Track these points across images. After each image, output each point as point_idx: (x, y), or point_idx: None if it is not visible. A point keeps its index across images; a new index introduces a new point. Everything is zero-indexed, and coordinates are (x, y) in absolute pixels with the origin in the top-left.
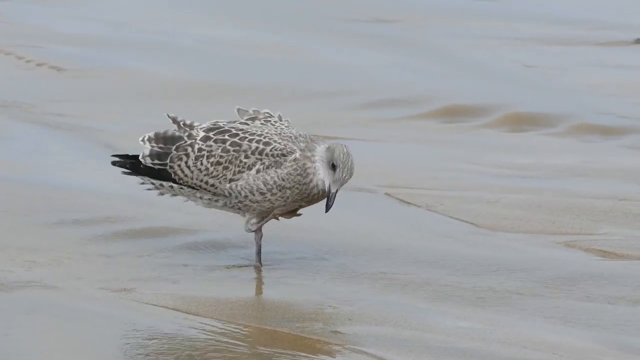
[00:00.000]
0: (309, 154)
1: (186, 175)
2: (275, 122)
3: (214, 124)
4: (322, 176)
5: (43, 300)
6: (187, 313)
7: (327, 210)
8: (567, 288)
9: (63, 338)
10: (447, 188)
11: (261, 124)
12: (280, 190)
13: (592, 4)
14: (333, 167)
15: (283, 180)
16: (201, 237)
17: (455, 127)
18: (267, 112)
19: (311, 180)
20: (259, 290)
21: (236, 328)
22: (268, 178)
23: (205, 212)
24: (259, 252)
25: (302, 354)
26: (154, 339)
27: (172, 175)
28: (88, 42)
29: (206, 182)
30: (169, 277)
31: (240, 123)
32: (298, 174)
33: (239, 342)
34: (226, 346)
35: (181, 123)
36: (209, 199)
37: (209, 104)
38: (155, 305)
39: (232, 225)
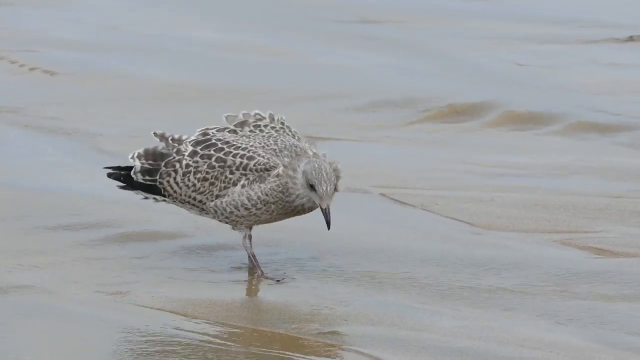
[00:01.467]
0: (291, 173)
1: (175, 192)
2: (266, 125)
3: (204, 135)
4: (307, 200)
5: (38, 303)
6: (183, 315)
7: (328, 228)
8: (562, 286)
9: (58, 341)
10: (442, 188)
11: (250, 130)
12: (264, 205)
13: (585, 3)
14: (312, 187)
15: (266, 195)
16: (195, 240)
17: (450, 127)
18: (258, 114)
19: (294, 200)
20: (254, 292)
21: (232, 330)
22: (252, 193)
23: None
24: (255, 259)
25: (298, 355)
26: (149, 341)
27: (162, 191)
28: (81, 46)
29: (194, 198)
30: (164, 280)
31: (229, 131)
32: (280, 191)
33: (234, 344)
34: (222, 348)
35: (169, 139)
36: (198, 213)
37: (202, 106)
38: (151, 308)
39: (226, 228)
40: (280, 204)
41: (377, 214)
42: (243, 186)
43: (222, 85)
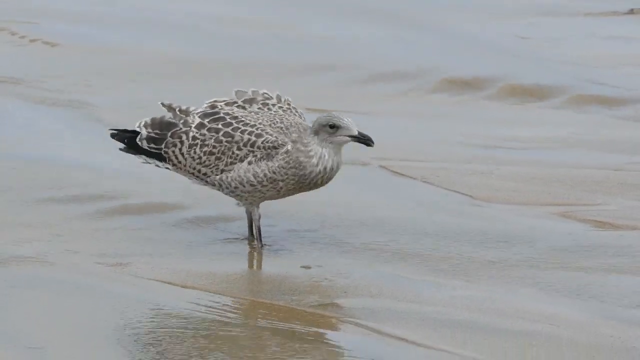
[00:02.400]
0: (302, 147)
1: (180, 162)
2: (274, 104)
3: (212, 107)
4: (333, 157)
5: (38, 274)
6: (183, 287)
7: (372, 144)
8: (562, 259)
9: (57, 311)
10: (442, 160)
11: (258, 108)
12: (271, 182)
13: None
14: (333, 127)
15: (274, 173)
16: (196, 212)
17: (451, 100)
18: (266, 93)
19: (311, 172)
20: (254, 264)
21: (232, 301)
22: (258, 170)
23: (199, 188)
24: (259, 232)
25: (298, 326)
26: (149, 312)
27: (167, 160)
28: (82, 18)
29: (198, 171)
30: (164, 252)
31: (238, 106)
32: (291, 167)
33: (235, 315)
34: (222, 319)
35: (177, 110)
36: (202, 184)
37: (204, 80)
38: (151, 279)
39: (226, 200)
40: (291, 181)
41: (377, 186)
42: (250, 163)
43: (220, 58)
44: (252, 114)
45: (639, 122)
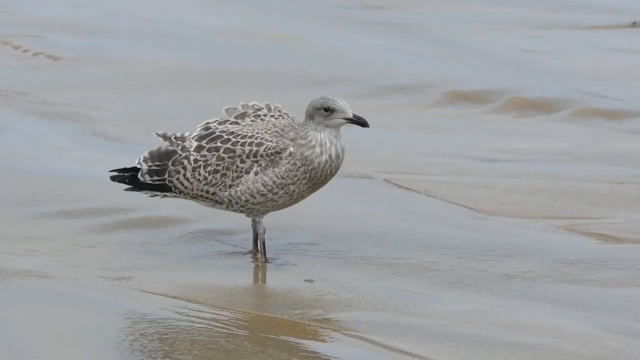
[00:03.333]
0: (303, 141)
1: (186, 187)
2: (265, 114)
3: (206, 129)
4: (334, 142)
5: (41, 288)
6: (187, 300)
7: (367, 125)
8: (566, 272)
9: (60, 325)
10: (446, 173)
11: (251, 120)
12: (282, 188)
13: None
14: (327, 110)
15: (283, 178)
16: (199, 226)
17: (456, 113)
18: (256, 104)
19: (319, 163)
20: (258, 278)
21: (236, 315)
22: (267, 179)
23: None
24: (264, 247)
25: (301, 340)
26: (152, 325)
27: (172, 189)
28: (84, 31)
29: (206, 192)
30: (167, 265)
31: (231, 123)
32: (299, 167)
33: (238, 329)
34: (225, 333)
35: (172, 138)
36: (212, 206)
37: (206, 92)
38: (155, 293)
39: (230, 214)
40: (302, 181)
41: (381, 199)
42: (256, 173)
43: (224, 70)
44: (247, 126)
45: None
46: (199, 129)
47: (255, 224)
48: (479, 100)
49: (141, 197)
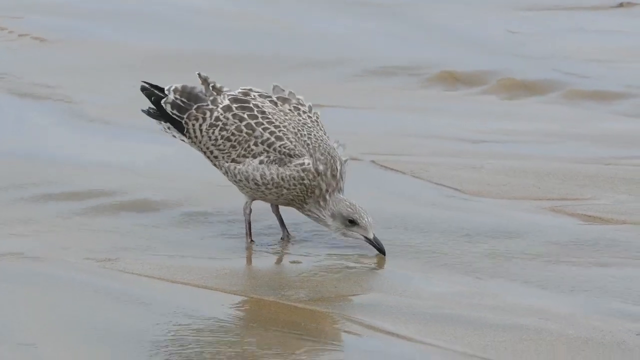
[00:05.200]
0: (321, 201)
1: (196, 137)
2: (304, 112)
3: (244, 94)
4: (337, 225)
5: (29, 270)
6: (172, 282)
7: (384, 254)
8: (552, 253)
9: (49, 308)
10: (432, 154)
11: (289, 109)
12: (276, 187)
13: None
14: (352, 222)
15: (282, 179)
16: (185, 208)
17: (443, 95)
18: (300, 99)
19: (309, 205)
20: (244, 259)
21: (222, 296)
22: (267, 172)
23: (190, 184)
24: (249, 227)
25: (287, 321)
26: (139, 307)
27: (184, 131)
28: (70, 13)
29: (211, 152)
30: (154, 247)
31: (271, 101)
32: (301, 184)
33: (224, 311)
34: (211, 314)
35: (210, 85)
36: (210, 163)
37: (193, 75)
38: (140, 275)
39: (217, 196)
40: (293, 192)
41: (368, 180)
42: (261, 162)
43: (212, 53)
44: (282, 113)
45: (629, 117)
46: (239, 90)
47: (277, 210)
48: (467, 82)
49: (126, 180)
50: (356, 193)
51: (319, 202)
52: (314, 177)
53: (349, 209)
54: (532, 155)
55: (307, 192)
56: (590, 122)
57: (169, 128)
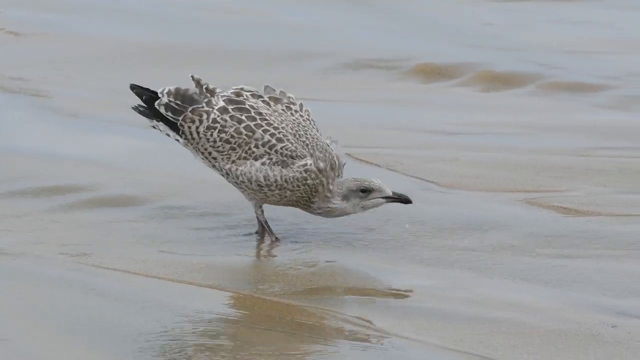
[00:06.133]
0: (327, 193)
1: (193, 139)
2: (296, 110)
3: (237, 95)
4: (343, 212)
5: (2, 265)
6: (147, 276)
7: (410, 201)
8: (527, 245)
9: (23, 302)
10: (407, 147)
11: (282, 109)
12: (279, 189)
13: None
14: (365, 191)
15: (286, 181)
16: (161, 202)
17: (420, 88)
18: (291, 97)
19: (319, 207)
20: (219, 253)
21: (196, 290)
22: (271, 174)
23: (166, 178)
24: (267, 226)
25: (262, 315)
26: (113, 302)
27: (179, 133)
28: (46, 6)
29: (209, 153)
30: (129, 242)
31: (263, 101)
32: (305, 185)
33: (199, 305)
34: (185, 308)
35: (204, 87)
36: (207, 165)
37: (170, 68)
38: (115, 269)
39: (193, 191)
40: (297, 194)
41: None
42: (264, 164)
43: (189, 45)
44: (276, 114)
45: (604, 108)
46: (231, 91)
47: (255, 208)
48: (444, 74)
49: (101, 175)
50: None
51: (326, 196)
52: (317, 175)
53: (356, 182)
54: (507, 147)
55: (312, 192)
56: (566, 113)
57: (161, 127)
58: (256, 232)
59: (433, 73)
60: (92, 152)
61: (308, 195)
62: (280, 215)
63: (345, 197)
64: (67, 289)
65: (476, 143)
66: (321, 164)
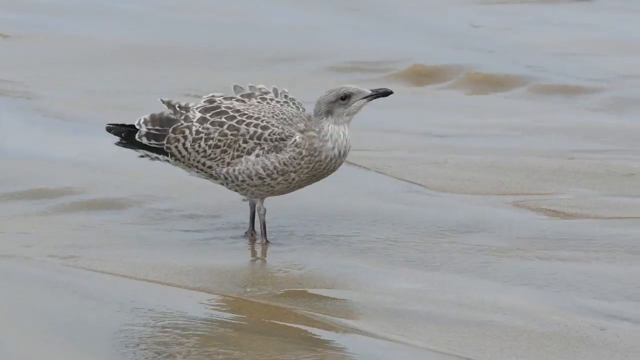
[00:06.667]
0: (315, 134)
1: (183, 157)
2: (272, 98)
3: (210, 102)
4: (347, 135)
5: None
6: (135, 279)
7: (390, 92)
8: (516, 248)
9: (12, 305)
10: (396, 149)
11: (257, 101)
12: (282, 175)
13: None
14: (345, 97)
15: (285, 164)
16: (149, 205)
17: (409, 90)
18: (263, 88)
19: (326, 157)
20: (208, 255)
21: (185, 293)
22: (268, 163)
23: (153, 180)
24: (265, 227)
25: (249, 319)
26: (102, 303)
27: (169, 155)
28: (32, 8)
29: (203, 164)
30: (117, 245)
31: (237, 100)
32: (305, 156)
33: (187, 307)
34: (173, 310)
35: (176, 106)
36: (205, 178)
37: (157, 69)
38: (103, 272)
39: (181, 193)
40: (304, 170)
41: (331, 177)
42: (257, 155)
43: (176, 47)
44: (252, 107)
45: (593, 111)
46: (203, 101)
47: (253, 205)
48: (433, 77)
49: (88, 177)
50: (319, 188)
51: (320, 134)
52: (305, 139)
53: (332, 93)
54: (495, 149)
55: (313, 159)
56: (554, 116)
57: (149, 154)
58: (245, 234)
59: (422, 76)
60: (81, 154)
61: (313, 157)
62: (269, 219)
63: (328, 113)
64: (55, 291)
65: (465, 145)
66: (301, 125)
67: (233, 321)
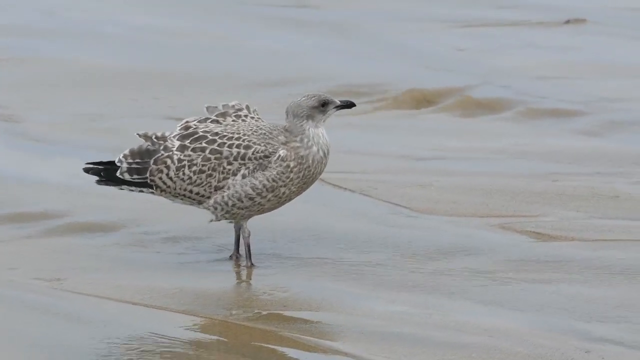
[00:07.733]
0: (297, 143)
1: (168, 187)
2: (246, 115)
3: (185, 128)
4: (324, 136)
5: None
6: (120, 301)
7: (354, 104)
8: (501, 270)
9: None
10: (381, 172)
11: (232, 120)
12: (272, 191)
13: None
14: (324, 105)
15: (274, 181)
16: (134, 228)
17: (394, 114)
18: (237, 104)
19: (313, 162)
20: (193, 278)
21: (170, 315)
22: (257, 182)
23: (137, 203)
24: (249, 250)
25: (234, 341)
26: (87, 326)
27: (154, 187)
28: (19, 31)
29: (190, 191)
30: (103, 268)
31: (212, 122)
32: (295, 165)
33: (172, 330)
34: (158, 333)
35: (153, 137)
36: (195, 206)
37: (140, 92)
38: (89, 295)
39: (165, 216)
40: (295, 181)
41: (316, 198)
42: (244, 176)
43: (159, 70)
44: (229, 126)
45: (578, 134)
46: (179, 128)
47: (238, 228)
48: (421, 100)
49: (72, 200)
50: (305, 210)
51: (303, 141)
52: (289, 151)
53: (313, 97)
54: (480, 172)
55: (302, 167)
56: (539, 139)
57: (133, 189)
58: (230, 257)
59: (408, 99)
60: (65, 177)
61: (302, 166)
62: (254, 241)
63: (310, 117)
64: (40, 314)
65: (450, 168)
66: (282, 138)
67: (218, 344)
